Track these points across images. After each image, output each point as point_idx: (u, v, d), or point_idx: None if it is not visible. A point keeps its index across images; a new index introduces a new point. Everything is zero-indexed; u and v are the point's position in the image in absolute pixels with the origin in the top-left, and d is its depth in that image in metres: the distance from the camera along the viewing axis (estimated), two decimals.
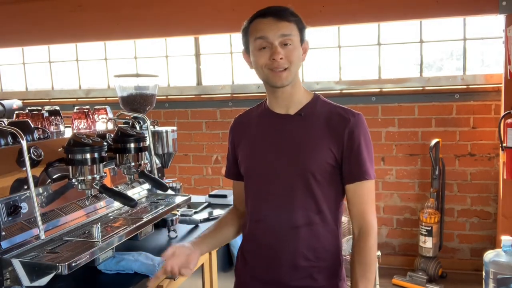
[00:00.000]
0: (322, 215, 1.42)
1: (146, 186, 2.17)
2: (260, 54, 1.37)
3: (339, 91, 3.97)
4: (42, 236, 1.43)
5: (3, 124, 1.57)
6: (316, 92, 1.50)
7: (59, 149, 1.56)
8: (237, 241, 2.29)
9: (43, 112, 1.89)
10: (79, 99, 4.72)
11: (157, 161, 2.37)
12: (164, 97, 4.39)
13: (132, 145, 1.82)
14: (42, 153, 1.58)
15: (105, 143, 1.63)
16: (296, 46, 1.38)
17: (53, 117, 1.92)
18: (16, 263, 1.37)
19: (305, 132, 1.41)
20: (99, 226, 1.59)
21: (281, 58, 1.35)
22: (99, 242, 1.52)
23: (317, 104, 1.45)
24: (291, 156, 1.41)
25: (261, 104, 1.55)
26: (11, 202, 1.46)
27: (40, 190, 1.59)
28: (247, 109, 1.60)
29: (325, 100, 1.48)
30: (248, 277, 1.52)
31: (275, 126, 1.45)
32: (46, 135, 1.75)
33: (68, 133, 1.93)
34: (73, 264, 1.36)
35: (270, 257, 1.44)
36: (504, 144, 3.21)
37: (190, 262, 1.43)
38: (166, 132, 2.38)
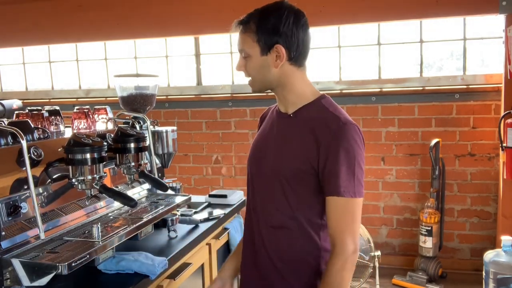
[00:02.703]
0: (297, 221, 1.37)
1: (146, 186, 2.17)
2: None
3: (339, 91, 3.97)
4: (42, 236, 1.43)
5: (3, 124, 1.57)
6: (325, 94, 1.43)
7: (59, 149, 1.56)
8: (237, 240, 2.30)
9: (43, 112, 1.89)
10: (79, 99, 4.71)
11: (157, 161, 2.37)
12: (164, 97, 4.39)
13: (132, 145, 1.82)
14: (42, 153, 1.58)
15: (105, 143, 1.63)
16: (252, 57, 1.35)
17: (53, 117, 1.93)
18: (16, 263, 1.37)
19: (288, 135, 1.39)
20: (99, 226, 1.58)
21: (242, 70, 1.39)
22: (99, 242, 1.52)
23: (314, 108, 1.38)
24: (272, 157, 1.41)
25: None
26: (11, 202, 1.46)
27: (40, 190, 1.59)
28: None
29: (325, 105, 1.38)
30: (242, 272, 1.56)
31: (273, 124, 1.47)
32: (46, 135, 1.76)
33: (68, 133, 1.94)
34: (73, 264, 1.36)
35: (251, 254, 1.47)
36: (504, 144, 3.21)
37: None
38: (166, 132, 2.38)
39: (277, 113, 1.47)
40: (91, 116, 2.06)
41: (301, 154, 1.33)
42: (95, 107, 2.18)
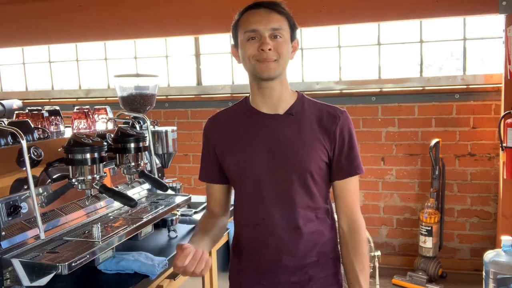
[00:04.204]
0: (318, 212, 1.43)
1: (146, 186, 2.17)
2: (248, 44, 1.35)
3: (339, 91, 3.97)
4: (42, 236, 1.43)
5: (3, 124, 1.57)
6: (299, 91, 1.49)
7: (59, 149, 1.56)
8: None
9: (43, 112, 1.89)
10: (79, 99, 4.72)
11: (157, 161, 2.37)
12: (164, 97, 4.39)
13: (132, 145, 1.82)
14: (42, 153, 1.58)
15: (105, 143, 1.63)
16: (286, 40, 1.36)
17: (53, 117, 1.93)
18: (16, 263, 1.37)
19: (298, 132, 1.40)
20: (99, 226, 1.59)
21: (270, 49, 1.32)
22: (99, 242, 1.52)
23: (304, 103, 1.45)
24: (287, 156, 1.39)
25: (239, 104, 1.50)
26: (11, 202, 1.46)
27: (40, 190, 1.59)
28: (221, 110, 1.55)
29: (310, 99, 1.48)
30: (246, 282, 1.49)
31: (267, 126, 1.41)
32: (46, 135, 1.76)
33: (68, 133, 1.94)
34: (73, 264, 1.36)
35: (271, 260, 1.43)
36: (504, 144, 3.21)
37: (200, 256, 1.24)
38: (166, 132, 2.38)
39: (261, 116, 1.42)
40: (91, 116, 2.06)
41: (319, 146, 1.40)
42: (95, 107, 2.18)
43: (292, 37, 1.40)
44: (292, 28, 1.39)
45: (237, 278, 1.53)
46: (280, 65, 1.36)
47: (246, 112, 1.46)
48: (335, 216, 1.51)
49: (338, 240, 1.49)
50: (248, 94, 1.48)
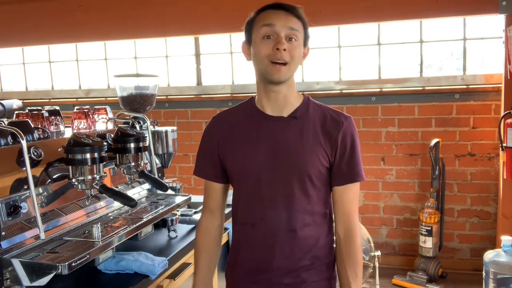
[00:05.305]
0: (316, 216, 1.42)
1: (146, 186, 2.17)
2: (263, 43, 1.34)
3: (339, 91, 3.97)
4: (42, 236, 1.43)
5: (3, 124, 1.57)
6: (305, 93, 1.49)
7: (59, 149, 1.56)
8: None
9: (43, 112, 1.89)
10: (79, 99, 4.72)
11: (157, 161, 2.37)
12: (164, 97, 4.39)
13: (132, 145, 1.82)
14: (42, 153, 1.58)
15: (105, 143, 1.63)
16: (300, 44, 1.37)
17: (53, 117, 1.93)
18: (16, 263, 1.37)
19: (300, 135, 1.40)
20: (99, 226, 1.59)
21: (284, 50, 1.32)
22: (99, 242, 1.53)
23: (309, 107, 1.44)
24: (287, 159, 1.39)
25: (245, 104, 1.50)
26: (11, 202, 1.46)
27: (40, 190, 1.59)
28: (227, 109, 1.55)
29: (316, 102, 1.47)
30: (241, 281, 1.50)
31: (270, 128, 1.42)
32: (46, 135, 1.76)
33: (68, 133, 1.94)
34: (73, 264, 1.36)
35: (266, 260, 1.43)
36: (504, 144, 3.21)
37: None
38: (166, 132, 2.38)
39: (266, 118, 1.43)
40: (91, 116, 2.06)
41: (321, 151, 1.39)
42: (95, 107, 2.18)
43: (305, 43, 1.40)
44: (306, 35, 1.40)
45: (232, 276, 1.54)
46: (291, 69, 1.37)
47: (251, 113, 1.46)
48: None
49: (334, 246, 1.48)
50: (254, 94, 1.48)
